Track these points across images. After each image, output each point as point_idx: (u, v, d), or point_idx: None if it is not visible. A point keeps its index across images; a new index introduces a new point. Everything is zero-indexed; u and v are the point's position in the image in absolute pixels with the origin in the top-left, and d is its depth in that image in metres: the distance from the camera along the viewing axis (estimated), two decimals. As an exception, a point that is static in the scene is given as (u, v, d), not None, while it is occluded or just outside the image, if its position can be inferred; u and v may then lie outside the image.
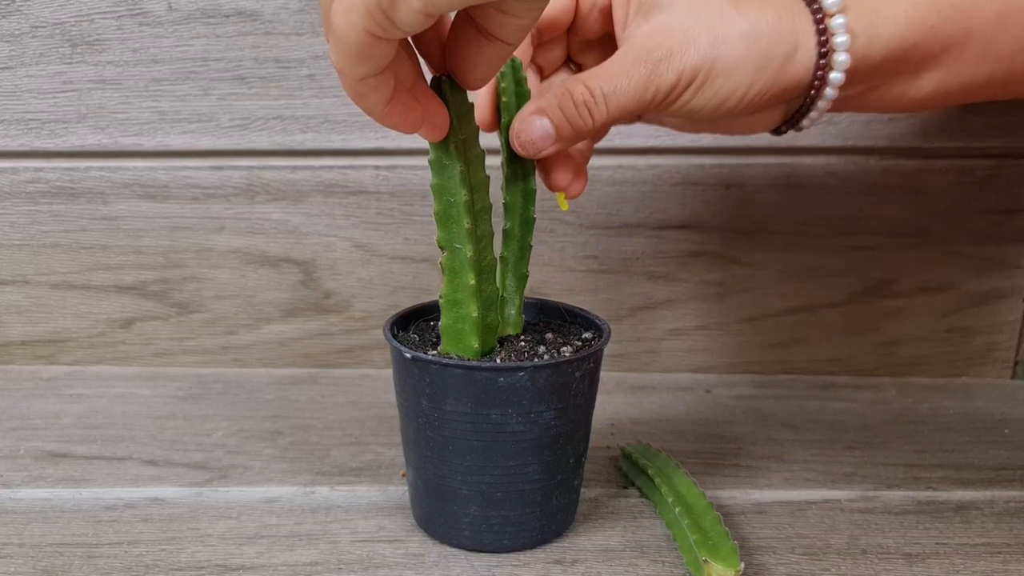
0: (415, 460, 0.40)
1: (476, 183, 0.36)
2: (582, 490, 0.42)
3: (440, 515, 0.39)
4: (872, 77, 0.40)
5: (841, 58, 0.38)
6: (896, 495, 0.45)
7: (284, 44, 0.55)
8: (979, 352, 0.61)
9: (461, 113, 0.35)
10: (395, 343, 0.38)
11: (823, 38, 0.38)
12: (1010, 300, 0.60)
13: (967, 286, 0.60)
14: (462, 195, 0.36)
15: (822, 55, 0.38)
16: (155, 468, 0.47)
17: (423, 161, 0.57)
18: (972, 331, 0.61)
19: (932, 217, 0.58)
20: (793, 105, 0.41)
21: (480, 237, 0.37)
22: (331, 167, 0.57)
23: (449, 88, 0.34)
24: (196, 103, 0.56)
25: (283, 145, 0.57)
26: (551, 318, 0.44)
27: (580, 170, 0.42)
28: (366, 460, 0.48)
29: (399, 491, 0.45)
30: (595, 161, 0.56)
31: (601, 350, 0.39)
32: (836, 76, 0.39)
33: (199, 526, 0.41)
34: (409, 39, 0.34)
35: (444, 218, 0.37)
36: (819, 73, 0.39)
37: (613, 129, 0.56)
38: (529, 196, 0.40)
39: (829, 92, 0.39)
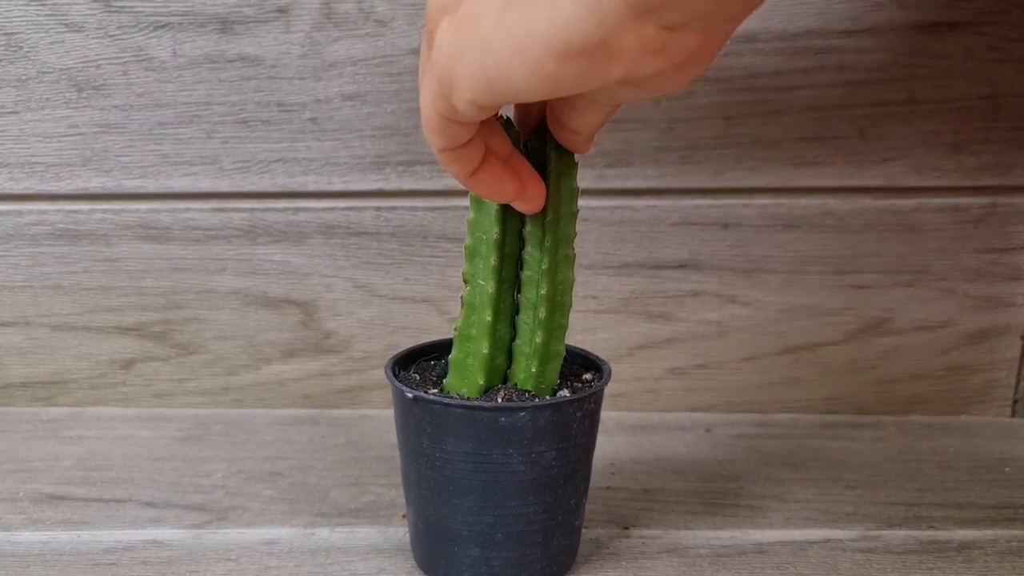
0: (416, 500, 0.39)
1: (510, 225, 0.37)
2: (583, 531, 0.42)
3: (441, 556, 0.39)
4: None
5: None
6: (898, 534, 0.45)
7: (287, 88, 0.56)
8: (978, 390, 0.61)
9: None
10: (397, 383, 0.38)
11: None
12: (1008, 337, 0.60)
13: (965, 324, 0.60)
14: (495, 232, 0.37)
15: None
16: (154, 510, 0.47)
17: (423, 203, 0.58)
18: (971, 369, 0.61)
19: (928, 255, 0.58)
20: None
21: (504, 278, 0.38)
22: (332, 208, 0.58)
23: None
24: (199, 146, 0.57)
25: (285, 187, 0.58)
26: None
27: (530, 177, 0.36)
28: (366, 501, 0.48)
29: (399, 532, 0.44)
30: (593, 202, 0.57)
31: (602, 390, 0.39)
32: None
33: (198, 568, 0.41)
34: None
35: (473, 253, 0.38)
36: None
37: (610, 171, 0.57)
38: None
39: None
